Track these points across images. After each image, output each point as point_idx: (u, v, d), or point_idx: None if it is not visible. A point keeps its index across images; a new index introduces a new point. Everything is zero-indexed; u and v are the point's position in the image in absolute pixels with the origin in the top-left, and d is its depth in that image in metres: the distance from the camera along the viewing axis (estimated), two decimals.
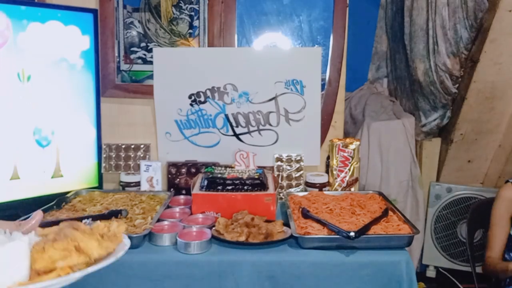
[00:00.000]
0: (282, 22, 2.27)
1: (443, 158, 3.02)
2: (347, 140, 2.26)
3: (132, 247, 1.61)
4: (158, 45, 2.27)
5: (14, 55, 1.91)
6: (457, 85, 2.80)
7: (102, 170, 2.28)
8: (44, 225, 1.67)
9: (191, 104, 2.24)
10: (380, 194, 2.09)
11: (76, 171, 2.17)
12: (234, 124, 2.25)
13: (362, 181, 2.84)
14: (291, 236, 1.68)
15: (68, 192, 2.06)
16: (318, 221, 1.75)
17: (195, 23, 2.27)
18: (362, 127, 3.00)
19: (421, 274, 3.15)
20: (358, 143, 2.24)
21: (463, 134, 2.89)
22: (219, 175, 1.97)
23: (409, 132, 2.93)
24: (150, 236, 1.70)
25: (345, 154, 2.23)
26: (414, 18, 2.78)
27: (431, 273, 3.16)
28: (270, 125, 2.25)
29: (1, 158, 1.93)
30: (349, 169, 2.24)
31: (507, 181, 2.08)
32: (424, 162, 3.08)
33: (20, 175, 1.99)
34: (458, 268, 3.04)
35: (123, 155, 2.31)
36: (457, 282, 2.99)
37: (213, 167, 2.10)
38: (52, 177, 2.09)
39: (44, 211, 1.82)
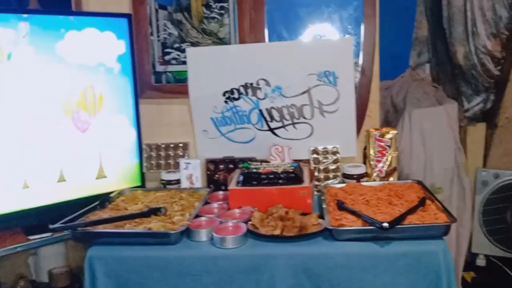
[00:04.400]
0: (312, 13, 2.26)
1: (489, 143, 2.92)
2: (384, 129, 2.24)
3: (170, 243, 1.69)
4: (191, 45, 2.32)
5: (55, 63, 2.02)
6: (499, 67, 2.69)
7: (144, 169, 2.35)
8: (87, 224, 1.77)
9: (225, 101, 2.27)
10: (419, 183, 2.06)
11: (119, 172, 2.25)
12: (268, 119, 2.27)
13: (405, 170, 2.79)
14: (326, 229, 1.69)
15: (112, 192, 2.14)
16: (353, 212, 1.75)
17: (226, 21, 2.29)
18: (403, 115, 2.94)
19: (470, 264, 3.06)
20: (395, 132, 2.21)
21: (509, 117, 2.78)
22: (255, 170, 2.00)
23: (452, 118, 2.85)
24: (187, 232, 1.75)
25: (382, 144, 2.21)
26: (451, 0, 2.70)
27: (481, 261, 3.06)
28: (305, 118, 2.25)
29: (49, 162, 2.03)
30: (387, 159, 2.21)
31: None
32: (469, 149, 2.98)
33: (66, 177, 2.09)
34: (510, 256, 2.94)
35: (163, 154, 2.38)
36: (509, 271, 2.89)
37: (249, 162, 2.13)
38: (96, 178, 2.17)
39: (89, 211, 1.91)
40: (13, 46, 1.89)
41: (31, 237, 1.93)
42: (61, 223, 1.75)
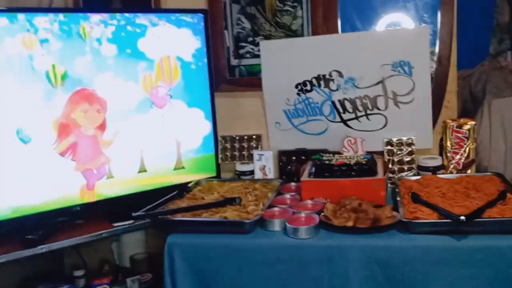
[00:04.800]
0: (386, 2, 2.22)
1: None
2: (461, 120, 2.18)
3: (244, 232, 1.74)
4: (264, 38, 2.35)
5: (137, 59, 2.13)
6: None
7: (219, 161, 2.42)
8: (166, 213, 1.86)
9: (298, 94, 2.29)
10: (499, 175, 1.99)
11: (196, 163, 2.33)
12: (341, 110, 2.27)
13: (484, 162, 2.68)
14: (400, 221, 1.67)
15: (189, 182, 2.23)
16: (429, 205, 1.71)
17: (299, 13, 2.30)
18: (482, 105, 2.82)
19: None
20: (473, 123, 2.15)
21: None
22: (327, 162, 2.01)
23: None
24: (261, 222, 1.79)
25: (460, 135, 2.15)
26: None
27: None
28: (378, 109, 2.23)
29: (131, 153, 2.15)
30: (465, 151, 2.15)
31: None
32: None
33: (147, 168, 2.19)
34: None
35: (237, 146, 2.45)
36: None
37: (321, 154, 2.14)
38: (174, 169, 2.27)
39: (168, 200, 2.00)
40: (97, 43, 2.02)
41: (115, 224, 2.04)
42: (143, 211, 1.85)
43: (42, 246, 1.86)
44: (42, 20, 1.89)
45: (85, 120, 2.01)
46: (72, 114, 1.98)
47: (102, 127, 2.06)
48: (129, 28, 2.08)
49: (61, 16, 1.93)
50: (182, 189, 2.12)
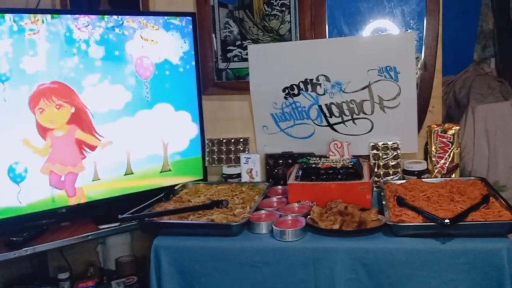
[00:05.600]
0: (373, 9, 2.25)
1: None
2: (446, 125, 2.20)
3: (231, 234, 1.74)
4: (252, 42, 2.36)
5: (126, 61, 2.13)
6: None
7: (206, 164, 2.42)
8: (153, 215, 1.85)
9: (285, 97, 2.31)
10: (483, 180, 2.01)
11: (183, 165, 2.33)
12: (327, 114, 2.28)
13: (468, 167, 2.72)
14: (385, 224, 1.69)
15: (176, 185, 2.23)
16: (413, 208, 1.73)
17: (286, 17, 2.32)
18: (466, 110, 2.87)
19: None
20: (457, 128, 2.18)
21: None
22: (314, 165, 2.02)
23: None
24: (248, 225, 1.80)
25: (444, 140, 2.18)
26: None
27: None
28: (365, 113, 2.25)
29: (118, 155, 2.14)
30: (449, 155, 2.18)
31: None
32: None
33: (134, 170, 2.18)
34: None
35: (224, 149, 2.45)
36: None
37: (308, 157, 2.15)
38: (161, 172, 2.26)
39: (154, 202, 2.00)
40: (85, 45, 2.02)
41: (100, 227, 2.02)
42: (129, 214, 1.85)
43: (27, 248, 1.84)
44: (29, 21, 1.88)
45: (66, 119, 2.01)
46: (52, 113, 1.97)
47: (89, 129, 2.06)
48: (117, 30, 2.08)
49: (48, 17, 1.93)
50: (168, 191, 2.12)
